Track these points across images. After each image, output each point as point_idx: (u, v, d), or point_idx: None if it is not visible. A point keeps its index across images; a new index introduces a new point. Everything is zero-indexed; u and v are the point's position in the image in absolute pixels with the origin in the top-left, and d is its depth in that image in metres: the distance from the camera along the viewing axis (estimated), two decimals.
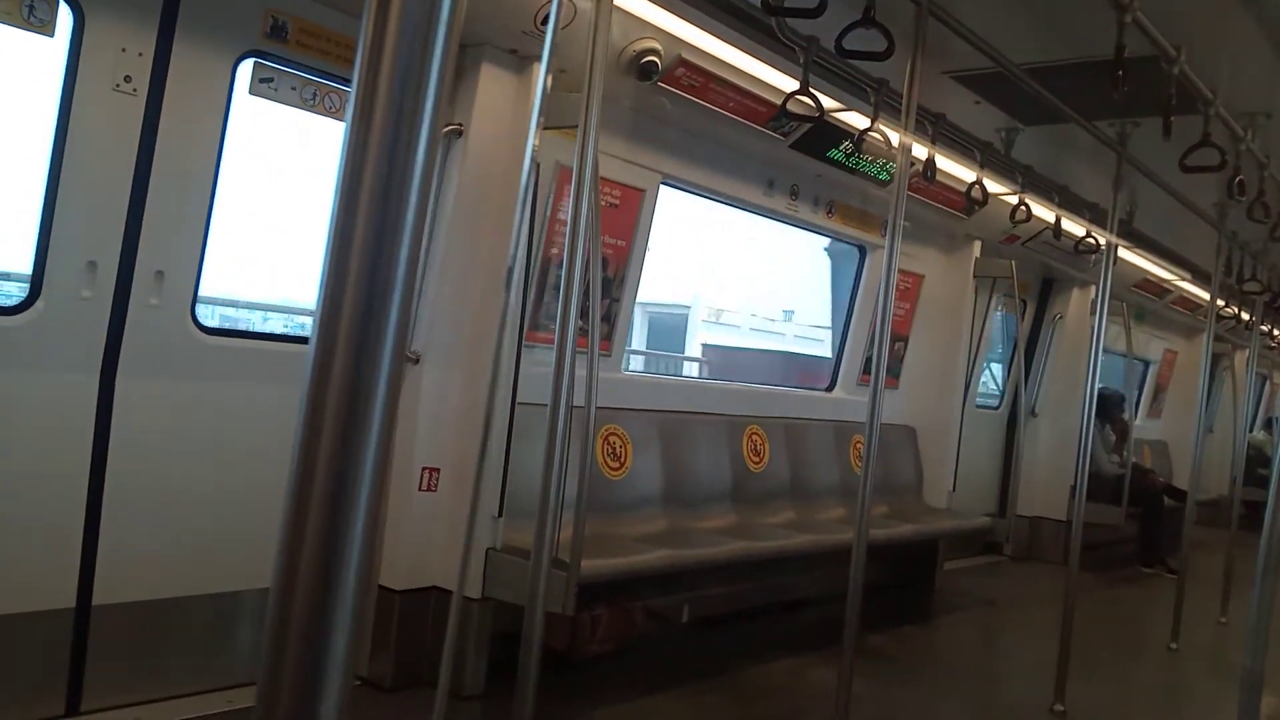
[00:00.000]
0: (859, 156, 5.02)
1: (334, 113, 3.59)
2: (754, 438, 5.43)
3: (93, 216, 3.04)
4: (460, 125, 3.74)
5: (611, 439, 4.62)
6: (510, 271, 2.57)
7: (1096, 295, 4.68)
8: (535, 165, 2.61)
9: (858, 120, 4.48)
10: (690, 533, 4.73)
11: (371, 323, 0.72)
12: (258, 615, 3.53)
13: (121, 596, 3.20)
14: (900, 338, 6.65)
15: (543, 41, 3.53)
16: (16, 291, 3.09)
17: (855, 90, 4.28)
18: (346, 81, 3.59)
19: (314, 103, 3.52)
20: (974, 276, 6.74)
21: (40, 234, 2.95)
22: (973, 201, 5.25)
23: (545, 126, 2.77)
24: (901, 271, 6.21)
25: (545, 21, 3.43)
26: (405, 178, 0.73)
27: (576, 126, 2.72)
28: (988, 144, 5.27)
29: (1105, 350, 4.70)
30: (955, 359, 6.75)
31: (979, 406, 7.90)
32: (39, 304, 2.96)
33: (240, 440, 3.47)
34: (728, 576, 4.88)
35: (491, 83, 3.75)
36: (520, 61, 3.81)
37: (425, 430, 3.74)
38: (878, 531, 4.97)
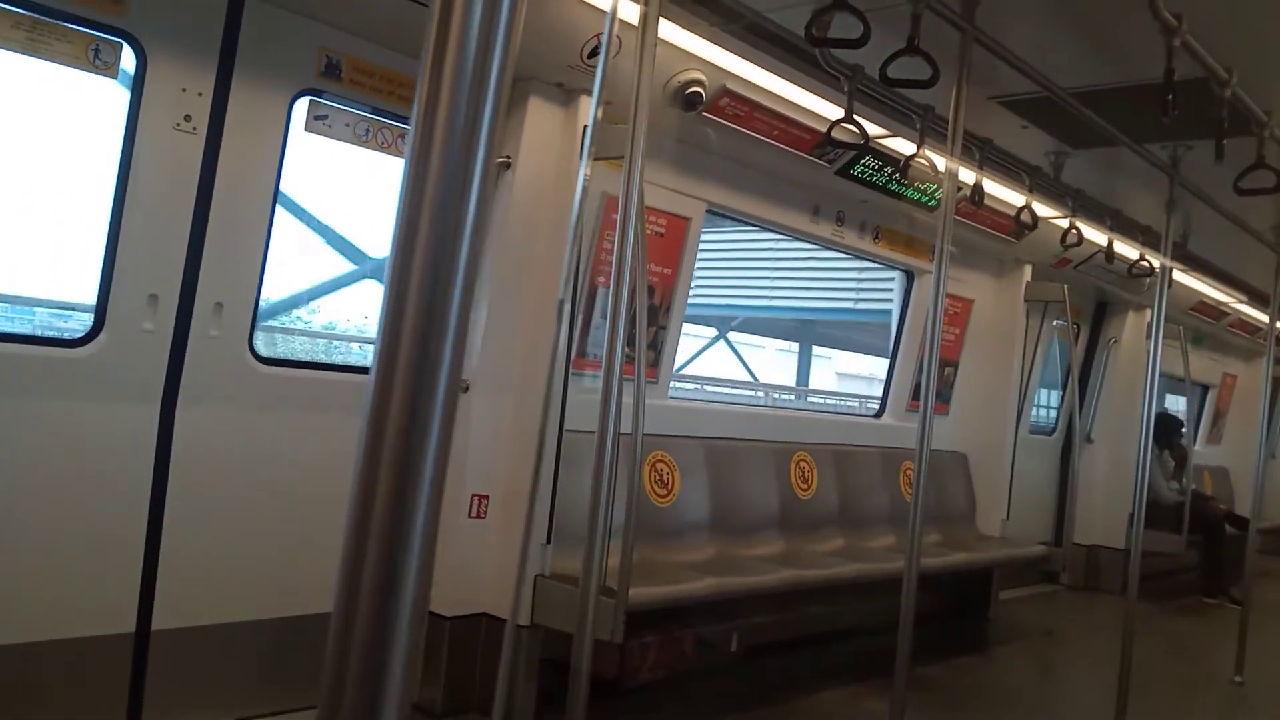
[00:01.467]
0: (904, 182, 5.01)
1: (386, 148, 3.67)
2: (801, 464, 5.40)
3: (154, 251, 3.13)
4: (508, 158, 3.80)
5: (659, 466, 4.63)
6: (561, 302, 2.60)
7: (1152, 319, 4.60)
8: (588, 196, 2.65)
9: (904, 146, 4.48)
10: (738, 560, 4.71)
11: (429, 354, 0.75)
12: (315, 639, 3.57)
13: (181, 621, 3.26)
14: (950, 363, 6.58)
15: (587, 75, 3.60)
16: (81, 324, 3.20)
17: (900, 117, 4.28)
18: (399, 118, 3.68)
19: (367, 138, 3.61)
20: (1025, 301, 6.66)
21: (104, 268, 3.05)
22: (1022, 225, 5.20)
23: (593, 158, 2.81)
24: (950, 296, 6.16)
25: (591, 55, 3.49)
26: (461, 214, 0.76)
27: (622, 157, 2.75)
28: (1036, 168, 5.22)
29: (1161, 374, 4.62)
30: (1007, 384, 6.66)
31: (1032, 432, 7.78)
32: (102, 336, 3.05)
33: (297, 467, 3.53)
34: (777, 605, 4.84)
35: (539, 116, 3.81)
36: (567, 95, 3.86)
37: (475, 457, 3.77)
38: (930, 560, 4.90)
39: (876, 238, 5.69)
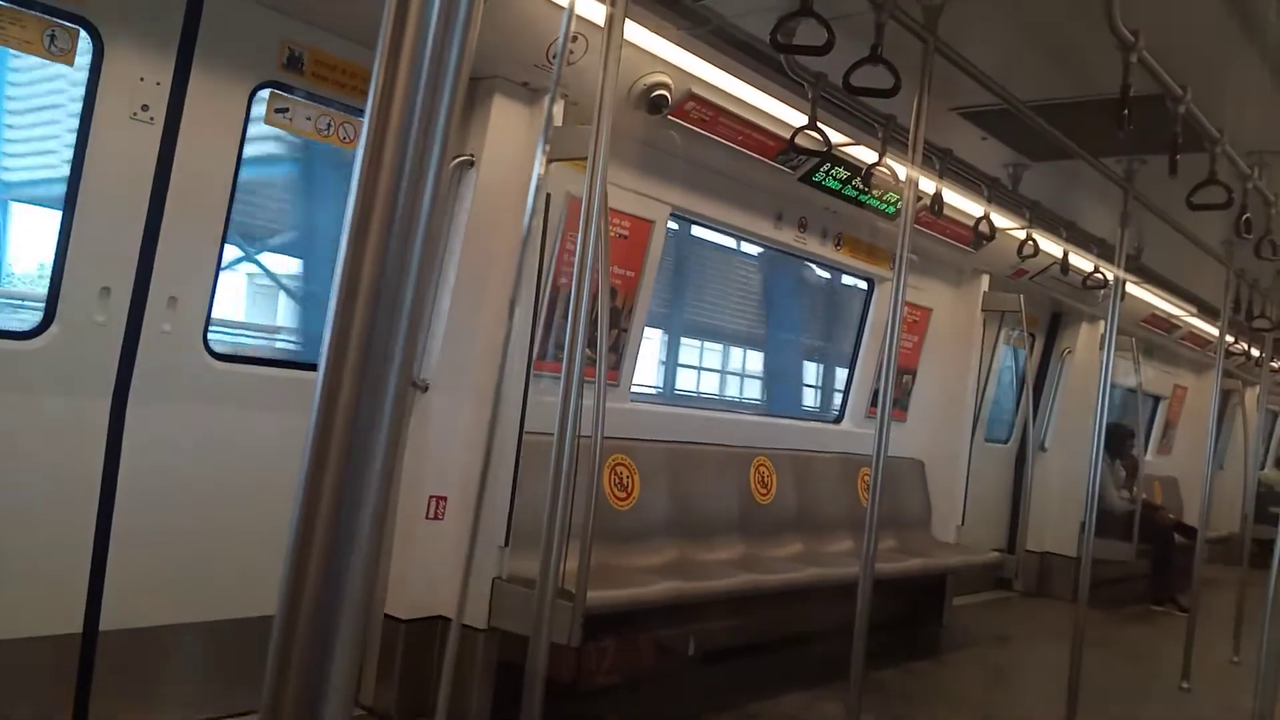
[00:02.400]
0: (865, 190, 5.05)
1: (348, 142, 3.63)
2: (761, 469, 5.42)
3: (108, 243, 3.07)
4: (472, 156, 3.78)
5: (619, 469, 4.62)
6: (513, 300, 2.59)
7: (1105, 330, 4.68)
8: (544, 195, 2.64)
9: (866, 154, 4.52)
10: (697, 564, 4.72)
11: (379, 351, 0.73)
12: (267, 642, 3.52)
13: (129, 622, 3.20)
14: (908, 371, 6.64)
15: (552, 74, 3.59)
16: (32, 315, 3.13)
17: (863, 125, 4.32)
18: (362, 112, 3.64)
19: (329, 132, 3.57)
20: (982, 310, 6.74)
21: (56, 259, 2.99)
22: (980, 236, 5.27)
23: (556, 158, 2.80)
24: (909, 304, 6.21)
25: (557, 55, 3.48)
26: (415, 210, 0.75)
27: (585, 158, 2.75)
28: (995, 179, 5.29)
29: (1114, 385, 4.70)
30: (964, 393, 6.74)
31: (988, 440, 7.88)
32: (53, 329, 2.99)
33: (251, 466, 3.48)
34: (735, 609, 4.85)
35: (503, 115, 3.79)
36: (531, 94, 3.85)
37: (433, 458, 3.74)
38: (885, 565, 4.94)
39: (838, 245, 5.73)
